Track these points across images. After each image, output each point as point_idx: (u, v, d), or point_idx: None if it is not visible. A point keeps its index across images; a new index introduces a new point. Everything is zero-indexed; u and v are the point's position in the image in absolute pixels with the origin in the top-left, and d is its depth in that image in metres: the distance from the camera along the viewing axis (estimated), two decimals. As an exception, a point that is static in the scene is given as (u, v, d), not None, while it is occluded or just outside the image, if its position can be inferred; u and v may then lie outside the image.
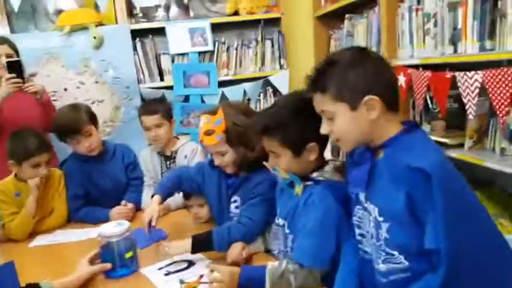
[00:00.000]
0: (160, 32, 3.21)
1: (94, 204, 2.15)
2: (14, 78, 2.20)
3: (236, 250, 1.51)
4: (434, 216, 0.99)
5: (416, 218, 1.04)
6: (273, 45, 3.36)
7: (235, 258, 1.49)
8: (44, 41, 2.97)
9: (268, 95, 3.40)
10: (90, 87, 3.08)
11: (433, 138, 1.60)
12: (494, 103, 1.54)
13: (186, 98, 3.29)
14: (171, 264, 1.55)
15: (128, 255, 1.52)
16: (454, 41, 1.78)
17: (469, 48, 1.69)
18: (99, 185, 2.19)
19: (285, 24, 3.38)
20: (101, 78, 3.09)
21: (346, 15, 2.89)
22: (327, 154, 1.46)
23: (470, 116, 1.66)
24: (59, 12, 3.17)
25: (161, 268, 1.54)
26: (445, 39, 1.83)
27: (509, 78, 1.48)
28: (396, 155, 1.09)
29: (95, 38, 2.99)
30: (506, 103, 1.51)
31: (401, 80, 2.02)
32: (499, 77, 1.51)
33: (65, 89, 3.03)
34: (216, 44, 3.26)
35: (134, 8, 3.24)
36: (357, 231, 1.24)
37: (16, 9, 3.13)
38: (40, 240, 1.94)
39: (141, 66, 3.19)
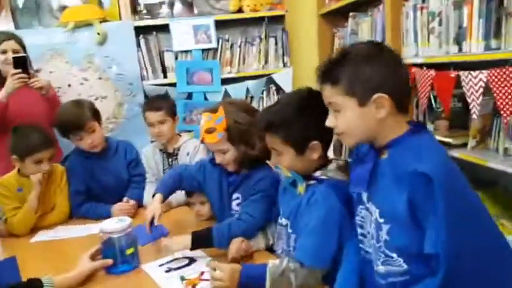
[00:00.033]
0: (164, 28, 3.21)
1: (96, 200, 2.16)
2: (19, 73, 2.21)
3: (236, 245, 1.51)
4: (434, 221, 0.98)
5: (417, 222, 1.02)
6: (276, 43, 3.35)
7: (235, 254, 1.49)
8: (48, 37, 2.98)
9: (271, 93, 3.40)
10: (93, 84, 3.08)
11: (436, 137, 1.59)
12: (499, 103, 1.54)
13: (189, 95, 3.28)
14: (172, 261, 1.56)
15: (129, 251, 1.52)
16: (458, 40, 1.77)
17: (474, 48, 1.68)
18: (101, 181, 2.19)
19: (289, 22, 3.37)
20: (105, 75, 3.09)
21: (350, 14, 2.88)
22: (329, 153, 1.45)
23: (474, 116, 1.65)
24: (63, 8, 3.16)
25: (162, 265, 1.54)
26: (450, 38, 1.82)
27: (514, 78, 1.47)
28: (400, 156, 1.07)
29: (98, 34, 2.99)
30: (510, 103, 1.50)
31: (405, 78, 2.01)
32: (504, 76, 1.51)
33: (69, 85, 3.03)
34: (220, 41, 3.26)
35: (138, 4, 3.23)
36: (359, 230, 1.22)
37: (20, 5, 3.15)
38: (42, 236, 1.95)
39: (144, 63, 3.18)
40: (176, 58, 3.24)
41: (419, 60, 1.99)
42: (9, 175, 2.07)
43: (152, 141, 2.48)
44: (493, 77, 1.55)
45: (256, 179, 1.66)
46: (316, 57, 3.38)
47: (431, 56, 1.93)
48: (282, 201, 1.50)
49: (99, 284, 1.47)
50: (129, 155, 2.27)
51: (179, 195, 2.04)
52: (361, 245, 1.22)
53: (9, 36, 2.37)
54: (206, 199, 1.89)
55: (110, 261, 1.50)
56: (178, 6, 3.31)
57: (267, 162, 1.46)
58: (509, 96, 1.49)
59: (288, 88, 3.30)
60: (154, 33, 3.22)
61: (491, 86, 1.56)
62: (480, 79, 1.59)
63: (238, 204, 1.73)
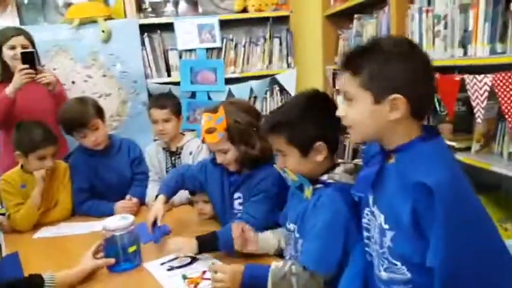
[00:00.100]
0: (169, 27, 3.21)
1: (99, 197, 2.16)
2: (27, 69, 2.21)
3: (237, 228, 1.48)
4: (434, 235, 0.95)
5: (421, 231, 0.99)
6: (281, 44, 3.35)
7: (238, 237, 1.46)
8: (53, 34, 2.98)
9: (275, 93, 3.40)
10: (97, 81, 3.08)
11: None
12: (503, 107, 1.53)
13: (193, 95, 3.29)
14: (174, 259, 1.55)
15: (131, 249, 1.52)
16: (464, 44, 1.77)
17: (479, 51, 1.67)
18: (104, 178, 2.20)
19: (294, 22, 3.37)
20: (109, 72, 3.09)
21: (355, 15, 2.88)
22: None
23: (479, 120, 1.65)
24: (68, 5, 3.17)
25: (164, 263, 1.54)
26: (455, 41, 1.82)
27: (520, 83, 1.47)
28: (407, 163, 1.03)
29: (103, 31, 2.99)
30: (515, 107, 1.49)
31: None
32: (509, 80, 1.50)
33: (73, 82, 3.03)
34: (224, 40, 3.26)
35: (143, 2, 3.23)
36: (365, 234, 1.19)
37: (26, 1, 3.16)
38: (44, 232, 1.95)
39: (148, 61, 3.19)
40: (180, 57, 3.25)
41: (424, 63, 1.99)
42: (13, 171, 2.08)
43: (155, 140, 2.48)
44: (498, 81, 1.54)
45: (258, 179, 1.66)
46: (321, 59, 3.39)
47: (436, 59, 1.92)
48: (290, 206, 1.48)
49: (101, 282, 1.47)
50: (133, 153, 2.27)
51: (182, 194, 2.05)
52: (366, 249, 1.19)
53: (19, 31, 2.37)
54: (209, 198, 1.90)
55: (112, 261, 1.50)
56: (183, 5, 3.31)
57: (275, 166, 1.43)
58: (514, 101, 1.49)
59: (291, 89, 3.30)
60: (158, 31, 3.22)
61: (496, 90, 1.55)
62: (485, 83, 1.59)
63: (240, 204, 1.73)
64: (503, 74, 1.53)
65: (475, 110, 1.65)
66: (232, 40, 3.28)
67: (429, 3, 2.02)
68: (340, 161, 1.41)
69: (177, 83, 3.23)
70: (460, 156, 1.77)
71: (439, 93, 1.84)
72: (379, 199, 1.11)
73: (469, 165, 1.71)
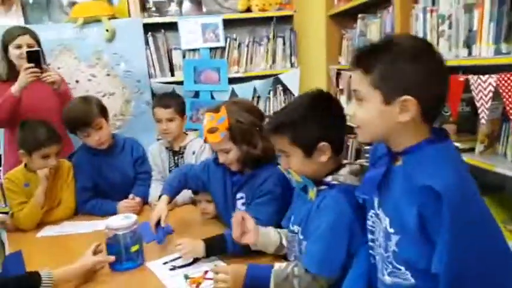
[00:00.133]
0: (173, 26, 3.21)
1: (102, 197, 2.17)
2: (32, 67, 2.22)
3: (238, 216, 1.46)
4: (441, 239, 0.93)
5: (427, 236, 0.97)
6: (284, 43, 3.35)
7: (238, 224, 1.44)
8: (57, 33, 2.98)
9: (278, 93, 3.39)
10: (101, 80, 3.09)
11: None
12: (508, 108, 1.52)
13: (196, 94, 3.29)
14: (176, 259, 1.56)
15: (134, 248, 1.52)
16: (468, 44, 1.76)
17: (484, 51, 1.66)
18: (107, 178, 2.20)
19: (297, 22, 3.37)
20: (113, 71, 3.10)
21: (359, 15, 2.87)
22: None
23: (483, 121, 1.64)
24: (72, 4, 3.18)
25: (166, 263, 1.54)
26: (460, 41, 1.80)
27: (524, 83, 1.46)
28: (413, 166, 1.00)
29: (107, 31, 3.00)
30: (520, 108, 1.49)
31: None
32: (514, 81, 1.49)
33: (77, 81, 3.04)
34: (228, 40, 3.26)
35: (147, 2, 3.24)
36: (370, 236, 1.17)
37: (31, 1, 3.17)
38: (48, 231, 1.96)
39: (152, 60, 3.19)
40: (184, 56, 3.25)
41: (428, 63, 1.98)
42: (16, 170, 2.09)
43: (158, 139, 2.48)
44: (503, 82, 1.53)
45: (261, 179, 1.65)
46: (324, 58, 3.38)
47: (441, 59, 1.92)
48: (294, 208, 1.47)
49: (103, 281, 1.47)
50: (136, 152, 2.28)
51: (184, 193, 2.05)
52: (371, 251, 1.17)
53: (25, 31, 2.39)
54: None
55: (111, 258, 1.49)
56: (187, 5, 3.31)
57: (279, 167, 1.42)
58: (519, 102, 1.48)
59: (295, 88, 3.30)
60: (162, 31, 3.23)
61: (501, 91, 1.54)
62: (489, 83, 1.58)
63: (243, 204, 1.73)
64: (508, 75, 1.52)
65: (479, 111, 1.64)
66: (235, 40, 3.28)
67: (433, 3, 2.01)
68: (345, 161, 1.39)
69: (181, 83, 3.23)
70: (463, 157, 1.75)
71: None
72: (385, 202, 1.08)
73: (472, 166, 1.70)
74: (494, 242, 0.96)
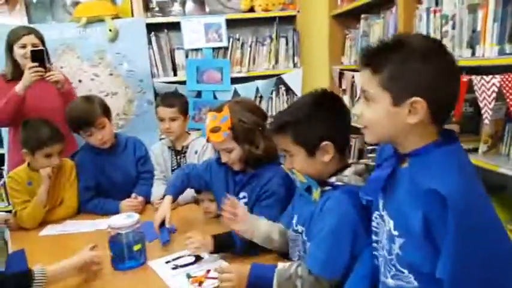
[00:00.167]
0: (176, 26, 3.21)
1: (104, 196, 2.17)
2: (36, 67, 2.23)
3: (229, 201, 1.49)
4: (446, 245, 0.91)
5: (432, 240, 0.95)
6: (287, 43, 3.34)
7: (228, 208, 1.47)
8: (60, 32, 2.99)
9: (281, 93, 3.39)
10: (104, 80, 3.10)
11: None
12: (511, 108, 1.52)
13: (199, 94, 3.29)
14: (178, 258, 1.56)
15: (137, 247, 1.52)
16: (472, 44, 1.76)
17: (488, 52, 1.66)
18: (110, 177, 2.20)
19: (300, 22, 3.36)
20: (116, 71, 3.10)
21: (362, 15, 2.87)
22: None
23: (486, 121, 1.63)
24: (76, 3, 3.19)
25: (169, 262, 1.54)
26: (463, 42, 1.80)
27: (528, 84, 1.45)
28: (420, 169, 0.98)
29: (110, 30, 3.01)
30: (523, 109, 1.48)
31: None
32: (518, 81, 1.49)
33: (80, 81, 3.05)
34: (231, 40, 3.26)
35: (150, 1, 3.24)
36: (374, 238, 1.16)
37: (34, 0, 3.18)
38: (50, 230, 1.96)
39: (155, 60, 3.19)
40: (187, 56, 3.25)
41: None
42: (19, 169, 2.09)
43: (161, 139, 2.48)
44: (507, 82, 1.53)
45: (265, 179, 1.65)
46: (327, 58, 3.38)
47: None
48: (297, 207, 1.46)
49: (106, 280, 1.47)
50: (138, 151, 2.28)
51: (187, 192, 2.05)
52: (375, 253, 1.16)
53: (29, 30, 2.40)
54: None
55: (100, 253, 1.46)
56: (190, 4, 3.31)
57: (282, 167, 1.42)
58: (523, 102, 1.48)
59: (297, 89, 3.30)
60: (165, 30, 3.23)
61: (504, 91, 1.54)
62: (493, 84, 1.58)
63: (246, 204, 1.72)
64: (511, 75, 1.51)
65: (482, 111, 1.63)
66: (238, 39, 3.28)
67: (437, 4, 2.01)
68: (351, 161, 1.38)
69: (183, 82, 3.23)
70: (467, 158, 1.75)
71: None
72: (390, 204, 1.07)
73: (476, 166, 1.70)
74: (499, 248, 0.94)
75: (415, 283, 1.01)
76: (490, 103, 1.60)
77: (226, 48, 3.27)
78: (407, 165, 1.03)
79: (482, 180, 0.99)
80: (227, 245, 1.53)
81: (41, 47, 2.33)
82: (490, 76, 1.58)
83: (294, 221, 1.43)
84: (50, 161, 2.01)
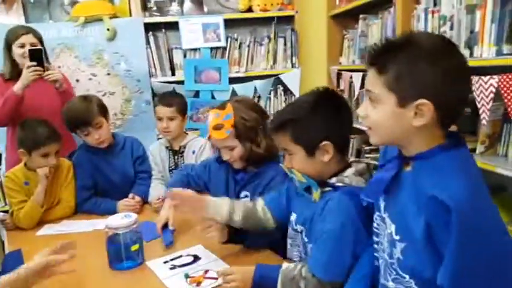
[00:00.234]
0: (174, 26, 3.21)
1: (102, 195, 2.16)
2: (34, 66, 2.23)
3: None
4: (448, 254, 0.89)
5: (435, 246, 0.92)
6: (285, 43, 3.35)
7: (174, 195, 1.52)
8: (57, 32, 2.99)
9: (279, 93, 3.39)
10: (102, 79, 3.09)
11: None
12: (509, 109, 1.52)
13: (196, 94, 3.29)
14: (176, 258, 1.56)
15: (134, 247, 1.52)
16: (470, 45, 1.76)
17: (486, 52, 1.66)
18: (107, 177, 2.20)
19: (299, 22, 3.36)
20: (113, 71, 3.10)
21: (361, 16, 2.88)
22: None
23: (484, 121, 1.64)
24: (73, 3, 3.18)
25: (167, 262, 1.54)
26: (461, 42, 1.80)
27: (526, 84, 1.45)
28: (423, 173, 0.95)
29: (108, 30, 3.00)
30: (521, 109, 1.48)
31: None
32: (515, 82, 1.49)
33: (77, 80, 3.04)
34: (229, 40, 3.26)
35: (148, 1, 3.24)
36: (375, 238, 1.14)
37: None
38: (47, 230, 1.95)
39: (153, 60, 3.19)
40: (185, 56, 3.25)
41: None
42: (16, 168, 2.08)
43: (159, 139, 2.48)
44: (504, 83, 1.53)
45: (268, 177, 1.66)
46: (325, 59, 3.38)
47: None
48: (295, 205, 1.45)
49: (103, 280, 1.47)
50: (136, 151, 2.28)
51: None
52: (375, 254, 1.14)
53: (28, 30, 2.41)
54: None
55: (64, 256, 1.35)
56: (188, 4, 3.31)
57: (281, 166, 1.41)
58: (520, 103, 1.48)
59: (295, 89, 3.30)
60: (163, 30, 3.23)
61: (502, 92, 1.54)
62: (491, 84, 1.58)
63: (249, 203, 1.72)
64: (509, 76, 1.52)
65: (480, 111, 1.63)
66: (236, 39, 3.28)
67: (435, 4, 2.01)
68: (351, 160, 1.37)
69: (181, 82, 3.23)
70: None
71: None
72: (391, 207, 1.05)
73: (473, 167, 1.70)
74: (503, 257, 0.91)
75: None
76: (487, 103, 1.60)
77: (224, 48, 3.27)
78: (411, 168, 1.00)
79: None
80: (238, 237, 1.55)
81: (39, 46, 2.33)
82: (488, 77, 1.59)
83: (293, 220, 1.43)
84: (47, 160, 2.00)
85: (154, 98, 3.08)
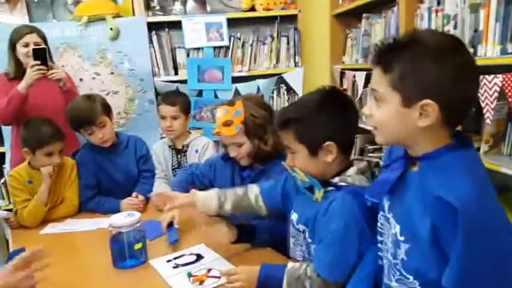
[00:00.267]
0: (177, 25, 3.21)
1: (105, 194, 2.17)
2: (38, 65, 2.24)
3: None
4: (454, 255, 0.88)
5: (440, 247, 0.91)
6: (288, 43, 3.34)
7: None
8: (61, 31, 2.99)
9: (282, 92, 3.39)
10: (105, 79, 3.09)
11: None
12: (514, 108, 1.52)
13: (199, 93, 3.29)
14: (179, 257, 1.56)
15: (138, 246, 1.52)
16: (474, 44, 1.76)
17: (490, 51, 1.66)
18: (111, 175, 2.20)
19: (302, 21, 3.36)
20: (117, 70, 3.10)
21: (364, 15, 2.87)
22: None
23: (488, 121, 1.63)
24: (77, 2, 3.18)
25: (170, 260, 1.54)
26: (465, 41, 1.79)
27: (530, 83, 1.45)
28: (430, 174, 0.94)
29: (111, 29, 3.00)
30: (525, 108, 1.48)
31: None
32: (520, 81, 1.49)
33: (81, 80, 3.05)
34: (232, 39, 3.26)
35: (151, 0, 3.24)
36: (378, 238, 1.13)
37: (35, -1, 3.18)
38: (51, 228, 1.96)
39: (156, 59, 3.19)
40: (188, 55, 3.25)
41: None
42: (20, 167, 2.09)
43: (162, 138, 2.48)
44: (509, 82, 1.53)
45: (275, 174, 1.65)
46: (328, 58, 3.38)
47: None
48: (296, 204, 1.44)
49: (106, 279, 1.48)
50: (139, 150, 2.28)
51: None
52: (379, 253, 1.14)
53: (32, 29, 2.42)
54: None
55: (33, 270, 1.22)
56: (191, 3, 3.31)
57: (283, 163, 1.40)
58: (525, 102, 1.47)
59: (298, 88, 3.29)
60: (166, 29, 3.23)
61: (506, 91, 1.54)
62: (495, 83, 1.57)
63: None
64: (513, 75, 1.51)
65: (484, 111, 1.63)
66: (239, 39, 3.28)
67: (439, 3, 2.01)
68: (353, 157, 1.35)
69: (184, 81, 3.23)
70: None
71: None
72: (396, 207, 1.04)
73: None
74: (510, 258, 0.89)
75: None
76: (491, 103, 1.59)
77: (227, 47, 3.26)
78: (418, 169, 0.98)
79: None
80: (248, 235, 1.55)
81: (43, 46, 2.34)
82: (492, 76, 1.58)
83: (295, 220, 1.42)
84: (51, 159, 2.01)
85: (157, 97, 3.08)
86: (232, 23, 3.25)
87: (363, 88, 2.79)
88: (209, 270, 1.44)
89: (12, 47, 2.39)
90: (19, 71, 2.37)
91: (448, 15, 1.90)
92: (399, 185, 1.01)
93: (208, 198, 1.55)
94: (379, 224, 1.13)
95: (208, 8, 3.29)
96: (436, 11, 1.99)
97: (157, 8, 3.25)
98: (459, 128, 1.01)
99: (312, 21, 3.41)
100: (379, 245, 1.14)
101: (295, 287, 1.26)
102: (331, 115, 1.26)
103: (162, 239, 1.70)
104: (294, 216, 1.43)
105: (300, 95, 3.23)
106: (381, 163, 1.35)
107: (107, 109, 2.16)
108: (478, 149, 1.78)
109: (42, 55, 2.27)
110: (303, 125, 1.27)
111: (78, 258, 1.50)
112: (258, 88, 3.31)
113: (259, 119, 1.65)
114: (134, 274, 1.49)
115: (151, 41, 3.15)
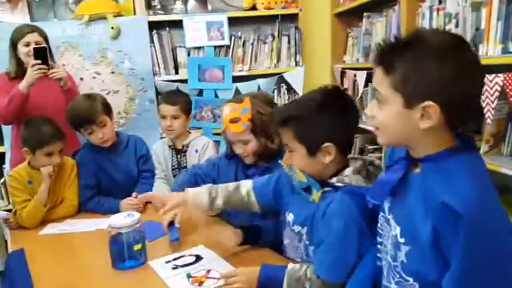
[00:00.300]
0: (178, 24, 3.20)
1: (105, 194, 2.17)
2: (39, 64, 2.24)
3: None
4: (455, 259, 0.87)
5: (441, 250, 0.91)
6: (289, 42, 3.33)
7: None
8: (62, 30, 2.99)
9: (283, 92, 3.38)
10: (106, 78, 3.09)
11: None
12: (515, 108, 1.51)
13: (200, 92, 3.28)
14: (178, 258, 1.55)
15: (137, 247, 1.51)
16: (475, 42, 1.75)
17: (491, 50, 1.65)
18: (111, 175, 2.20)
19: (303, 20, 3.35)
20: (117, 69, 3.10)
21: (365, 14, 2.86)
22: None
23: (488, 120, 1.62)
24: (78, 1, 3.18)
25: (169, 261, 1.54)
26: (466, 40, 1.78)
27: (532, 83, 1.44)
28: (432, 176, 0.93)
29: (112, 28, 3.00)
30: (527, 108, 1.47)
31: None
32: (521, 81, 1.48)
33: (81, 79, 3.04)
34: (232, 38, 3.25)
35: (152, -1, 3.24)
36: (378, 239, 1.13)
37: (36, -2, 3.18)
38: (50, 229, 1.96)
39: (157, 58, 3.18)
40: (188, 54, 3.24)
41: (434, 63, 1.96)
42: (20, 167, 2.09)
43: (162, 137, 2.48)
44: (510, 81, 1.52)
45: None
46: (329, 57, 3.37)
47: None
48: (292, 204, 1.43)
49: (105, 279, 1.47)
50: (139, 150, 2.28)
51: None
52: (378, 254, 1.13)
53: (33, 28, 2.42)
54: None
55: None
56: (192, 2, 3.30)
57: (280, 162, 1.40)
58: (526, 102, 1.46)
59: (299, 87, 3.28)
60: (167, 28, 3.22)
61: (507, 90, 1.53)
62: (496, 83, 1.56)
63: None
64: (515, 74, 1.50)
65: (484, 110, 1.62)
66: (240, 38, 3.27)
67: (440, 2, 2.00)
68: (350, 156, 1.34)
69: (185, 81, 3.22)
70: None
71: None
72: (397, 209, 1.03)
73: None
74: (511, 261, 0.89)
75: None
76: (492, 102, 1.58)
77: (228, 47, 3.25)
78: (420, 170, 0.97)
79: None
80: (254, 236, 1.55)
81: (43, 45, 2.34)
82: (493, 75, 1.57)
83: (291, 220, 1.40)
84: (51, 159, 2.01)
85: (157, 97, 3.08)
86: (233, 22, 3.24)
87: (364, 87, 2.78)
88: (208, 271, 1.44)
89: (13, 46, 2.39)
90: (20, 70, 2.37)
91: (449, 13, 1.89)
92: (400, 186, 1.00)
93: (199, 194, 1.55)
94: (378, 225, 1.13)
95: (209, 7, 3.29)
96: (438, 10, 1.98)
97: (158, 7, 3.24)
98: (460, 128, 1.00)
99: (312, 20, 3.40)
100: (378, 246, 1.13)
101: None
102: (331, 116, 1.25)
103: (161, 240, 1.70)
104: (289, 217, 1.42)
105: (301, 94, 3.22)
106: (376, 162, 1.34)
107: (107, 108, 2.16)
108: (478, 149, 1.77)
109: (43, 54, 2.27)
110: (303, 124, 1.26)
111: (77, 259, 1.50)
112: (259, 87, 3.29)
113: (267, 116, 1.64)
114: (133, 275, 1.48)
115: (152, 40, 3.15)
